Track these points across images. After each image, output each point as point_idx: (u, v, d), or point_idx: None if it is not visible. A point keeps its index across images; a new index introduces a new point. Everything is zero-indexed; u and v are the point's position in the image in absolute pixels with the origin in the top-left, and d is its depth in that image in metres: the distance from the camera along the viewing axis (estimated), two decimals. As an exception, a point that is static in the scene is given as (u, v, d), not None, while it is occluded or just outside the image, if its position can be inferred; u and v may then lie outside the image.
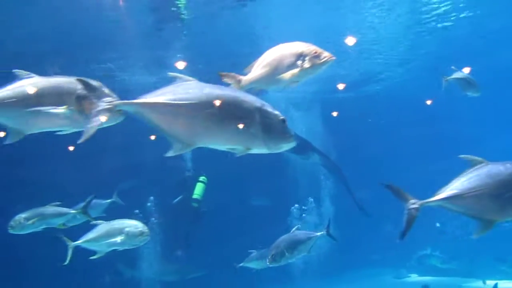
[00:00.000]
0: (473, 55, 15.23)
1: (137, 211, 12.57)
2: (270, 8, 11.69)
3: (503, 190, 3.44)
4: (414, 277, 21.91)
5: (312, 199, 17.86)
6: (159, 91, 3.59)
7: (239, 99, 3.60)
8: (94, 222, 6.00)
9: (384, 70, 18.73)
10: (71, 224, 7.34)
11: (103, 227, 6.01)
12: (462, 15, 13.74)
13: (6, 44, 12.15)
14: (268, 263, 6.76)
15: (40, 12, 10.80)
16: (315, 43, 4.41)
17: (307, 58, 4.15)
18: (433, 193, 3.92)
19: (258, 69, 4.40)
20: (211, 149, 3.81)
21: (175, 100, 3.46)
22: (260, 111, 3.57)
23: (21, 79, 3.99)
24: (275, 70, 4.28)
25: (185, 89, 3.55)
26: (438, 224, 22.27)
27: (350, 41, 13.89)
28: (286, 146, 3.71)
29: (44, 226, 6.78)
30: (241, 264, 10.26)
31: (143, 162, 16.12)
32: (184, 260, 16.28)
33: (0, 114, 3.91)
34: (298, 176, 19.29)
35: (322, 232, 7.54)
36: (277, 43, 4.44)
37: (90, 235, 6.04)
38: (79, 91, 3.71)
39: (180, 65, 13.70)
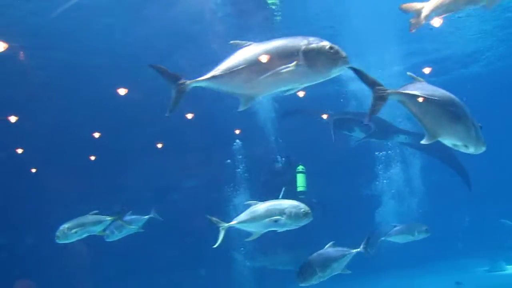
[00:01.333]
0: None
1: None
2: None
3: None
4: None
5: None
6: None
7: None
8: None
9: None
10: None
11: (259, 207, 5.84)
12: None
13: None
14: (298, 283, 6.55)
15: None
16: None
17: None
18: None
19: None
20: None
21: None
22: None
23: (239, 49, 4.18)
24: None
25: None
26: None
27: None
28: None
29: (86, 234, 7.24)
30: (383, 238, 9.85)
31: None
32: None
33: (231, 84, 4.14)
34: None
35: (358, 249, 6.92)
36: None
37: (245, 216, 5.89)
38: (304, 47, 3.90)
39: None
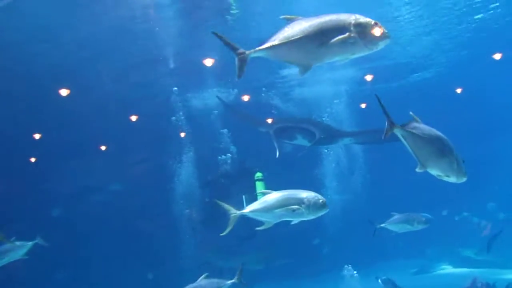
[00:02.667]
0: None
1: None
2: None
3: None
4: (449, 269, 21.33)
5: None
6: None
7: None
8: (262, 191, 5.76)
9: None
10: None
11: (275, 196, 5.60)
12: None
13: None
14: None
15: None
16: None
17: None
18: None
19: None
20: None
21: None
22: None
23: (290, 22, 4.40)
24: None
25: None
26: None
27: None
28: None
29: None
30: (382, 225, 9.43)
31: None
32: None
33: (288, 53, 4.38)
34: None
35: (232, 280, 6.77)
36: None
37: (259, 204, 5.67)
38: (354, 21, 4.21)
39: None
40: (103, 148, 20.50)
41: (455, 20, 14.15)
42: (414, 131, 4.55)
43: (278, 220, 5.64)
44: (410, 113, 4.75)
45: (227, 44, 4.39)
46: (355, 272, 14.93)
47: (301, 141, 12.10)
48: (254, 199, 12.77)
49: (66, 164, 18.95)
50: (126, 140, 18.94)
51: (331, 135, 12.10)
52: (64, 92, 14.49)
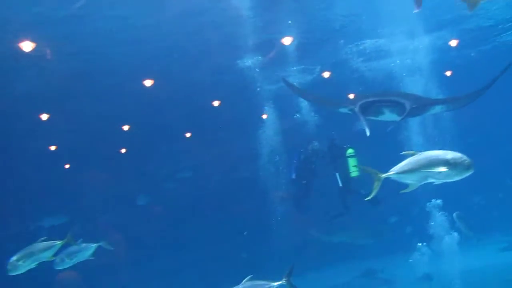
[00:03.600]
0: None
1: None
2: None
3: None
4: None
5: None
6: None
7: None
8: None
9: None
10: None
11: (420, 157, 5.55)
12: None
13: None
14: None
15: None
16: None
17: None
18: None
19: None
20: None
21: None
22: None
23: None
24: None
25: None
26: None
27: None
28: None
29: (36, 262, 7.25)
30: None
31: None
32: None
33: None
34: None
35: (280, 282, 6.33)
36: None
37: (404, 166, 5.62)
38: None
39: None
40: (187, 134, 21.20)
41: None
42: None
43: (423, 182, 5.58)
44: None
45: None
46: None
47: (388, 115, 10.99)
48: (348, 176, 12.70)
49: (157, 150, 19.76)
50: (213, 122, 19.40)
51: (423, 103, 10.96)
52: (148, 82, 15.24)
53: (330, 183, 13.14)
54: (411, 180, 5.60)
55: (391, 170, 5.65)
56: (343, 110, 11.21)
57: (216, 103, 18.75)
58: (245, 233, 18.64)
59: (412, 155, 5.59)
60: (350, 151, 12.64)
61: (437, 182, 5.57)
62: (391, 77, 17.40)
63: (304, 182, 14.14)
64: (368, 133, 10.40)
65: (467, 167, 5.30)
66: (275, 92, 17.74)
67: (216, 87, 17.22)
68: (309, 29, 13.78)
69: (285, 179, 16.42)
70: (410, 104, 10.48)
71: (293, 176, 14.25)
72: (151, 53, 13.65)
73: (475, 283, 14.19)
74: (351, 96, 11.57)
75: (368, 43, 15.78)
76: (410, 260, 16.51)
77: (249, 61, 15.49)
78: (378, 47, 16.10)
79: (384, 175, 5.69)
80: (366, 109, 10.61)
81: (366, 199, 6.03)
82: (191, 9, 11.42)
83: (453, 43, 17.41)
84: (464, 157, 5.33)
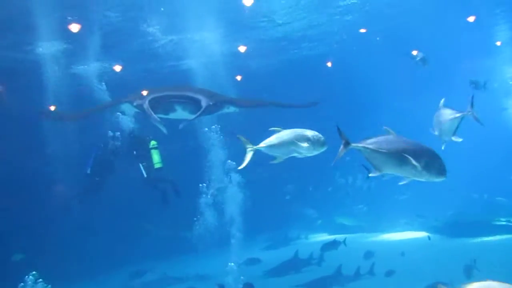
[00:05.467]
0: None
1: None
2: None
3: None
4: (325, 236, 22.94)
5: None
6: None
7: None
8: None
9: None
10: None
11: (286, 133, 6.12)
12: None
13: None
14: None
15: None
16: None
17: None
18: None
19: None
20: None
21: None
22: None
23: None
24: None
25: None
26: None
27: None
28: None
29: None
30: None
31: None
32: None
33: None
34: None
35: None
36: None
37: (272, 140, 6.14)
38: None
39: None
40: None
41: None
42: (369, 146, 4.99)
43: (288, 156, 6.17)
44: (385, 127, 5.17)
45: None
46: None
47: (180, 113, 10.15)
48: (152, 166, 12.69)
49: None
50: None
51: (220, 101, 10.45)
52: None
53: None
54: (279, 153, 6.19)
55: (261, 143, 6.20)
56: (128, 106, 10.49)
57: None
58: None
59: (279, 131, 6.20)
60: (153, 143, 12.60)
61: (299, 156, 6.19)
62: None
63: (97, 178, 13.70)
64: (165, 131, 9.78)
65: (323, 143, 6.00)
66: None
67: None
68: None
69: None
70: (207, 101, 9.76)
71: (88, 171, 13.68)
72: None
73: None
74: (139, 92, 10.48)
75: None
76: None
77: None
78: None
79: (255, 147, 6.21)
80: (156, 106, 9.79)
81: (240, 167, 6.38)
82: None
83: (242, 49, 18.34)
84: (320, 135, 6.04)
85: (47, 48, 14.57)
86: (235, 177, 15.26)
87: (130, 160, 13.51)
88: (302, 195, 25.24)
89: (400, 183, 5.69)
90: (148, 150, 12.68)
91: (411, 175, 4.91)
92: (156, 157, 12.60)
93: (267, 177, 21.40)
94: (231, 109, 10.95)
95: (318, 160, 6.83)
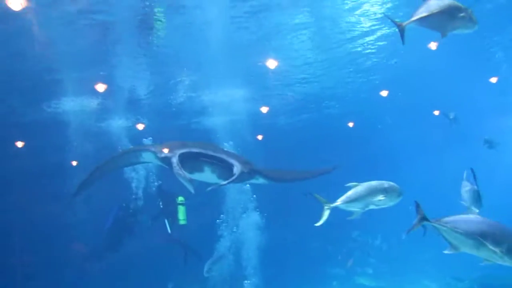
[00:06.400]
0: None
1: None
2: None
3: None
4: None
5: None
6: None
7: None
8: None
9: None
10: None
11: (362, 188, 6.14)
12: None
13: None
14: None
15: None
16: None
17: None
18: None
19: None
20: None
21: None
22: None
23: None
24: None
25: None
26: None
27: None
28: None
29: None
30: None
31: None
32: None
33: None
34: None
35: None
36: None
37: (349, 196, 6.12)
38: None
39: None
40: None
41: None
42: (446, 225, 4.79)
43: (366, 209, 6.17)
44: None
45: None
46: None
47: (208, 175, 8.50)
48: (177, 222, 12.54)
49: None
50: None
51: (253, 170, 8.73)
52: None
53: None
54: (357, 208, 6.15)
55: (338, 200, 6.17)
56: (150, 157, 8.96)
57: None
58: None
59: (355, 186, 6.18)
60: (180, 198, 12.38)
61: (376, 208, 6.18)
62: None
63: (116, 238, 13.55)
64: (192, 191, 7.83)
65: (399, 194, 6.07)
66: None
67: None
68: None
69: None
70: (241, 168, 8.25)
71: (107, 228, 13.62)
72: None
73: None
74: (167, 144, 8.80)
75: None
76: None
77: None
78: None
79: (333, 205, 6.13)
80: (183, 162, 8.15)
81: (317, 224, 6.24)
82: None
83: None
84: (396, 186, 6.10)
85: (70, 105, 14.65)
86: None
87: (154, 215, 13.42)
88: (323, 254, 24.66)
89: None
90: (175, 206, 12.55)
91: (493, 259, 4.59)
92: (182, 213, 12.37)
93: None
94: (260, 180, 9.36)
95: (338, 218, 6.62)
